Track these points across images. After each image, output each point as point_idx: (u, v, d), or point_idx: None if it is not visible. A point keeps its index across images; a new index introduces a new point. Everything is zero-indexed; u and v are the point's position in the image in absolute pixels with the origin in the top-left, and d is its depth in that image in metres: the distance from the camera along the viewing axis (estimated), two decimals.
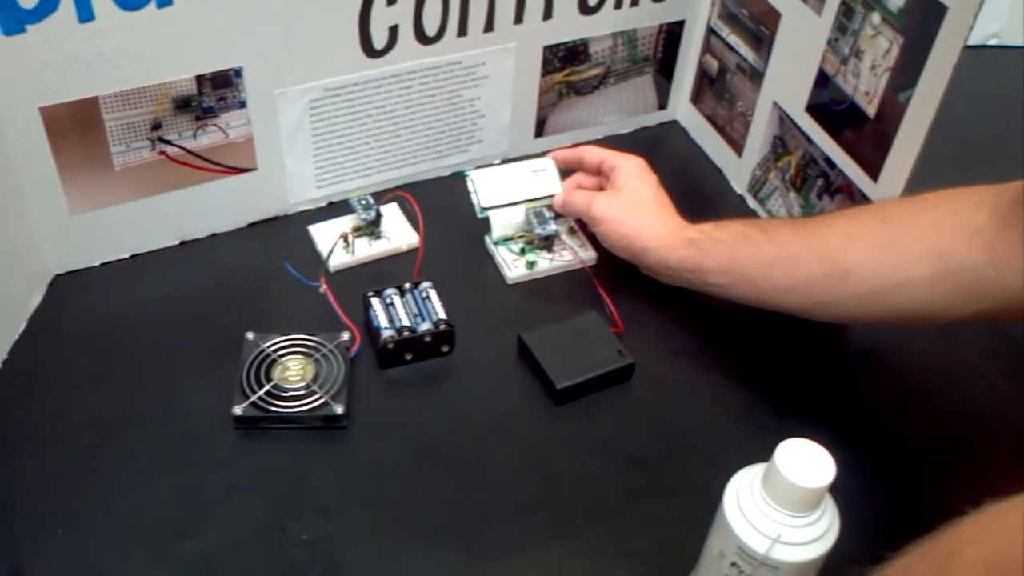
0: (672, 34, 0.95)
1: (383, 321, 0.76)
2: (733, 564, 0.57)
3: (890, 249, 0.68)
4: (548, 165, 0.86)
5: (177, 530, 0.66)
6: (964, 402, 0.78)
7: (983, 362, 0.81)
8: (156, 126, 0.78)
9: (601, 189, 0.84)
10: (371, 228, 0.85)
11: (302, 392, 0.72)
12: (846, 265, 0.69)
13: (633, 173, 0.81)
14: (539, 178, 0.85)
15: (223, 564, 0.64)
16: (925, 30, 0.68)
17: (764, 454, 0.60)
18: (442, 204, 0.88)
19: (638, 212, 0.79)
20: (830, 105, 0.80)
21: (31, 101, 0.72)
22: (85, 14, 0.69)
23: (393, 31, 0.82)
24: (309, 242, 0.86)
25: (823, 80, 0.80)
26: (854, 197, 0.79)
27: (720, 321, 0.80)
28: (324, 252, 0.83)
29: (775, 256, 0.72)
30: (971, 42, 0.66)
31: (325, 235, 0.85)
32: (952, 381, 0.80)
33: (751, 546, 0.55)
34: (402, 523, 0.67)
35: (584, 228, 0.86)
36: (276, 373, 0.73)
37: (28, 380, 0.74)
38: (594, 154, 0.85)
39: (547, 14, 0.87)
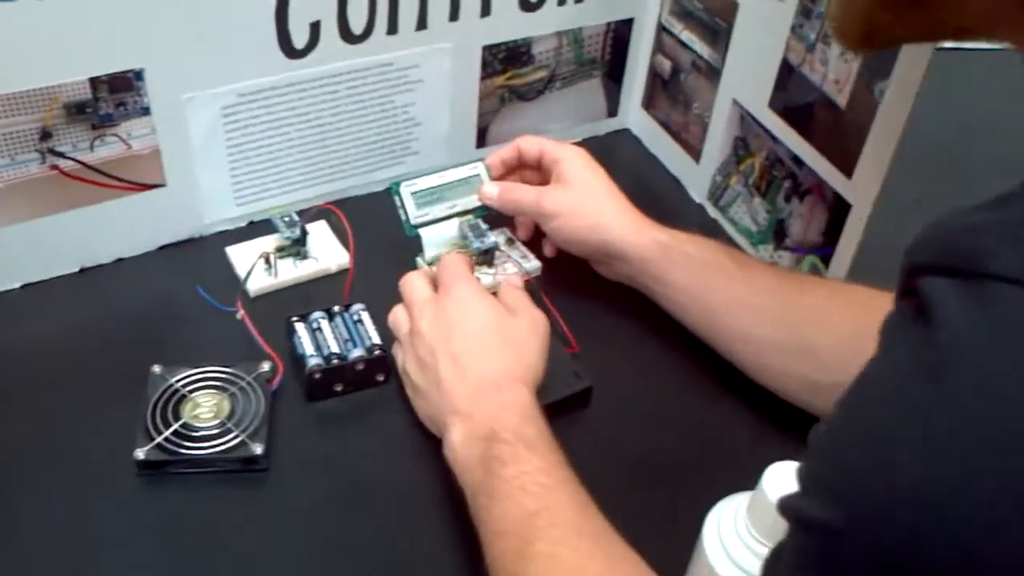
0: (620, 35, 0.89)
1: (309, 348, 0.68)
2: None
3: (860, 343, 0.61)
4: (480, 170, 0.77)
5: None
6: None
7: None
8: (46, 136, 0.69)
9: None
10: (296, 248, 0.77)
11: (215, 431, 0.63)
12: (810, 344, 0.63)
13: (580, 163, 0.74)
14: (472, 185, 0.77)
15: None
16: None
17: (741, 483, 0.52)
18: (375, 221, 0.79)
19: (594, 202, 0.72)
20: (796, 98, 0.74)
21: None
22: None
23: (315, 28, 0.74)
24: (227, 266, 0.77)
25: (787, 72, 0.74)
26: (826, 197, 0.73)
27: (686, 336, 0.72)
28: (243, 275, 0.75)
29: (743, 299, 0.67)
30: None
31: (244, 257, 0.76)
32: None
33: None
34: None
35: (528, 237, 0.79)
36: (185, 411, 0.64)
37: None
38: (532, 144, 0.76)
39: (485, 10, 0.80)
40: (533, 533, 0.52)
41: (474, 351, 0.62)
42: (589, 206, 0.72)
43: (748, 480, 0.63)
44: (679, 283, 0.69)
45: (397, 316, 0.68)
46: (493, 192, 0.75)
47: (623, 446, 0.67)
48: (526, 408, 0.59)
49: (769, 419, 0.68)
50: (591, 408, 0.69)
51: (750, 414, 0.68)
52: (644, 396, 0.70)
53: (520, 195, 0.74)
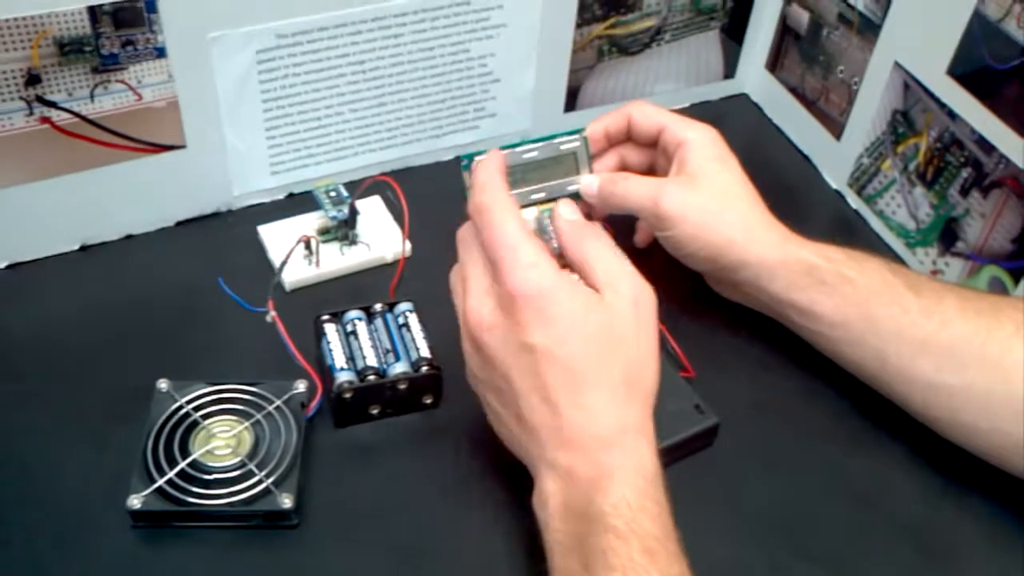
0: None
1: (339, 359, 0.53)
2: None
3: None
4: (577, 146, 0.60)
5: None
6: None
7: None
8: (33, 80, 0.54)
9: (652, 172, 0.60)
10: (343, 230, 0.62)
11: (233, 473, 0.49)
12: None
13: (712, 152, 0.56)
14: (566, 165, 0.60)
15: None
16: None
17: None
18: (439, 198, 0.62)
19: (727, 210, 0.55)
20: (990, 64, 0.57)
21: None
22: None
23: None
24: (259, 249, 0.63)
25: (979, 28, 0.57)
26: (1023, 193, 0.56)
27: (832, 366, 0.57)
28: (277, 263, 0.60)
29: (925, 338, 0.50)
30: None
31: (280, 240, 0.62)
32: None
33: None
34: None
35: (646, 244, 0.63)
36: (196, 443, 0.50)
37: None
38: (648, 117, 0.58)
39: None
40: None
41: (568, 388, 0.44)
42: (724, 215, 0.55)
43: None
44: (834, 317, 0.53)
45: (456, 283, 0.50)
46: (592, 185, 0.57)
47: (762, 504, 0.52)
48: (645, 480, 0.43)
49: (957, 480, 0.52)
50: (715, 451, 0.54)
51: (933, 475, 0.53)
52: (784, 439, 0.55)
53: (630, 189, 0.56)
